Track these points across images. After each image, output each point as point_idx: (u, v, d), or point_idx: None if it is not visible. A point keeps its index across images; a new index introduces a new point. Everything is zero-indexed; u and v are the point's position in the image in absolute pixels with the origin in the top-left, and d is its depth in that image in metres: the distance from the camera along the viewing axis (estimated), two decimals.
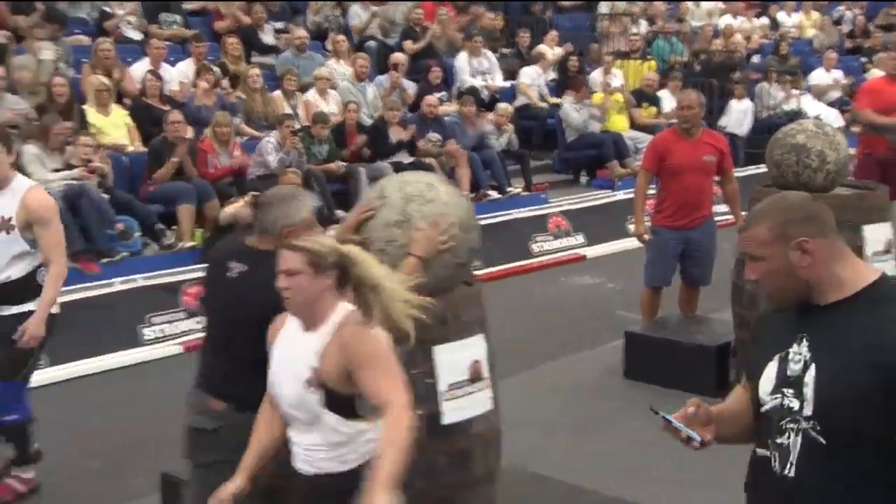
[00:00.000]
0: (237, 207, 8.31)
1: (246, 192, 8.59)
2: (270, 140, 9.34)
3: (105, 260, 7.74)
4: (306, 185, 9.11)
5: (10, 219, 4.27)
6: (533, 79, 12.86)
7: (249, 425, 2.97)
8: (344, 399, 2.70)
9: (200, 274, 3.58)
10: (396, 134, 10.32)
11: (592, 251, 10.07)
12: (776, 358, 2.25)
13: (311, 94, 10.61)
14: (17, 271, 4.36)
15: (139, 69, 9.79)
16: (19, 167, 7.80)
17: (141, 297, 7.12)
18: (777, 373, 2.24)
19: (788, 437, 2.20)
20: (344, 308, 2.76)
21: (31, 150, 7.96)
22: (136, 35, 10.84)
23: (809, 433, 2.16)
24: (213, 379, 3.32)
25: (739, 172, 8.89)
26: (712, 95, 12.89)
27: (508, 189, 10.86)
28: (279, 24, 12.30)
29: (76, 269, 7.52)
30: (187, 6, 11.84)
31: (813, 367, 2.17)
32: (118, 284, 7.14)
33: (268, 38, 11.85)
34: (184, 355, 6.91)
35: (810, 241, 2.19)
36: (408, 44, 12.51)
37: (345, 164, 9.92)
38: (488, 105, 12.01)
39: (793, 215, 2.22)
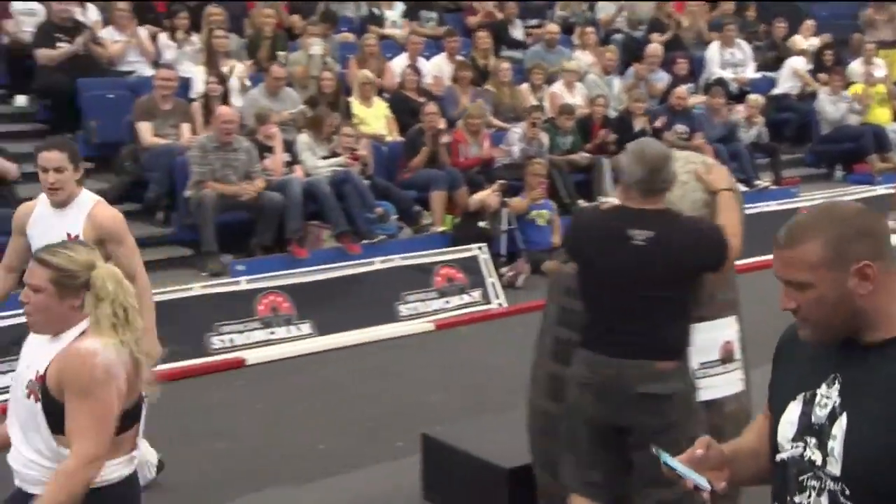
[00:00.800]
0: (486, 195, 8.81)
1: (493, 181, 9.06)
2: (516, 131, 9.66)
3: (365, 241, 8.34)
4: (549, 175, 9.35)
5: (76, 236, 4.07)
6: (801, 67, 12.43)
7: (694, 389, 3.20)
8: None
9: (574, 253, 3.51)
10: (641, 125, 10.32)
11: None
12: (800, 398, 1.89)
13: (558, 87, 10.82)
14: None
15: (398, 64, 10.39)
16: (293, 155, 8.61)
17: (397, 277, 7.61)
18: (800, 416, 1.87)
19: (810, 497, 1.84)
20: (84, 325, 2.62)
21: (303, 139, 8.71)
22: (399, 32, 11.53)
23: (838, 497, 1.80)
24: (639, 342, 3.20)
25: None
26: None
27: (756, 182, 10.57)
28: (527, 20, 12.62)
29: (340, 248, 8.19)
30: (445, 4, 12.41)
31: (844, 417, 1.80)
32: (378, 263, 7.66)
33: (517, 32, 12.20)
34: (435, 332, 7.36)
35: (873, 264, 1.80)
36: (655, 36, 12.43)
37: (588, 155, 10.06)
38: (737, 97, 11.73)
39: (848, 230, 1.82)
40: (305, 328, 7.03)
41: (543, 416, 3.73)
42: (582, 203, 9.78)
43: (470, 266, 7.99)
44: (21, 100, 9.11)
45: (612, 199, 3.69)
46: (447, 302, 7.71)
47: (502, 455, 4.07)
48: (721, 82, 11.70)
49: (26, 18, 9.05)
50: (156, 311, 6.44)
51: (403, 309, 7.48)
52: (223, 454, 5.12)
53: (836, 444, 1.80)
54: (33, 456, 2.60)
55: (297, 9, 10.99)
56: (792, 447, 1.88)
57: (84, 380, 2.50)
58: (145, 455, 2.73)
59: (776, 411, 1.93)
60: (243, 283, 7.07)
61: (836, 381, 1.84)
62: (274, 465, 4.97)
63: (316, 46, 9.79)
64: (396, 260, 7.75)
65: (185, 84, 9.02)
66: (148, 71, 9.22)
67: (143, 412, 2.81)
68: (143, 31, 9.43)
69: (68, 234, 4.03)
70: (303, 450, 5.15)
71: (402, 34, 11.37)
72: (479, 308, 7.81)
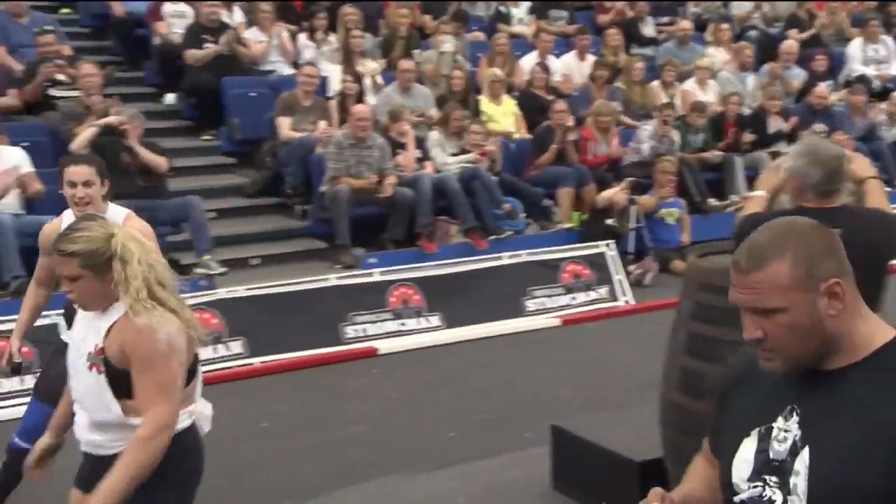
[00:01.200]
0: (614, 192, 8.80)
1: (622, 179, 9.03)
2: (647, 128, 9.59)
3: (492, 237, 8.45)
4: (679, 173, 9.25)
5: None
6: None
7: None
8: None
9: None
10: (776, 124, 10.08)
11: None
12: (754, 434, 1.73)
13: (690, 84, 10.68)
14: None
15: (527, 62, 10.47)
16: (424, 151, 8.80)
17: (524, 272, 7.69)
18: (756, 454, 1.72)
19: None
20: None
21: (434, 136, 8.90)
22: (526, 30, 11.60)
23: None
24: None
25: None
26: None
27: None
28: (658, 18, 12.48)
29: (468, 243, 8.33)
30: (575, 3, 12.42)
31: (806, 451, 1.65)
32: (505, 259, 7.76)
33: (648, 30, 12.09)
34: (561, 328, 7.41)
35: (842, 282, 1.66)
36: (792, 32, 12.09)
37: (720, 153, 9.89)
38: (880, 94, 11.29)
39: (817, 246, 1.67)
40: (435, 320, 7.20)
41: (676, 409, 3.75)
42: (713, 202, 9.64)
43: (597, 263, 8.00)
44: (170, 98, 9.61)
45: (755, 194, 3.65)
46: (573, 298, 7.75)
47: (632, 448, 4.09)
48: (863, 79, 11.30)
49: (176, 21, 9.55)
50: (292, 301, 6.83)
51: (530, 304, 7.56)
52: (358, 438, 5.31)
53: (799, 481, 1.64)
54: (100, 424, 2.74)
55: (429, 9, 11.20)
56: (749, 487, 1.72)
57: (148, 354, 2.62)
58: (203, 410, 2.92)
59: (729, 451, 1.77)
60: (376, 275, 7.29)
61: (795, 413, 1.68)
62: (406, 450, 5.13)
63: (447, 44, 9.97)
64: (523, 255, 7.83)
65: (322, 83, 9.33)
66: (287, 70, 9.58)
67: (199, 370, 2.95)
68: (285, 33, 9.79)
69: None
70: (434, 437, 5.29)
71: (530, 32, 11.43)
72: (605, 305, 7.82)
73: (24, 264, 6.46)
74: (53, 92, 8.01)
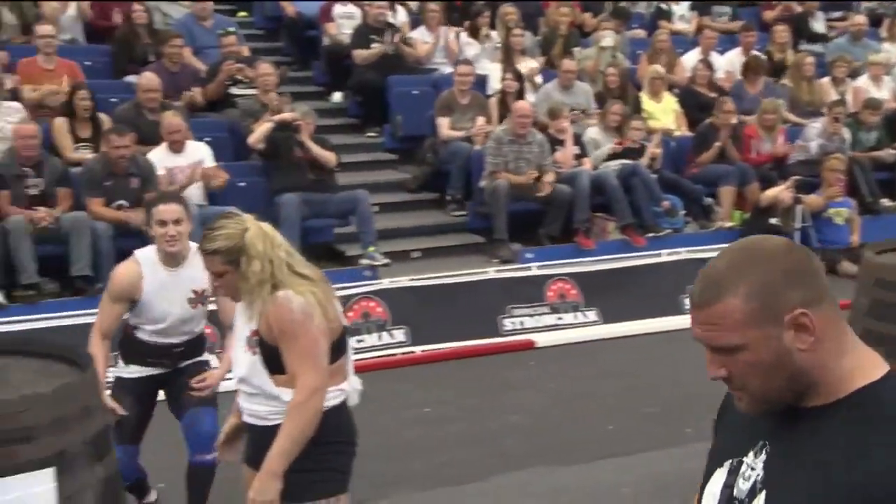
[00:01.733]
0: (778, 191, 8.56)
1: (787, 177, 8.77)
2: (815, 126, 9.28)
3: (650, 234, 8.39)
4: (850, 172, 8.91)
5: (203, 291, 4.03)
6: None
7: None
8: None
9: None
10: None
11: None
12: (726, 465, 1.58)
13: (863, 81, 10.26)
14: (200, 328, 4.24)
15: (689, 59, 10.31)
16: (582, 148, 8.82)
17: (684, 270, 7.59)
18: (723, 488, 1.57)
19: None
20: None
21: (591, 132, 8.92)
22: (687, 27, 11.42)
23: None
24: None
25: None
26: None
27: None
28: (829, 13, 12.04)
29: (625, 240, 8.31)
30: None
31: (762, 496, 1.49)
32: (664, 256, 7.70)
33: (818, 25, 11.68)
34: None
35: (810, 311, 1.45)
36: None
37: (895, 152, 9.46)
38: None
39: (774, 274, 1.46)
40: (592, 315, 7.23)
41: None
42: (885, 202, 9.24)
43: None
44: (337, 96, 10.00)
45: None
46: None
47: None
48: None
49: (345, 22, 9.93)
50: (452, 292, 7.03)
51: (688, 302, 7.45)
52: (515, 428, 5.43)
53: None
54: (259, 396, 2.95)
55: (589, 7, 11.21)
56: None
57: (288, 324, 2.82)
58: (354, 385, 3.09)
59: (705, 479, 1.64)
60: (534, 269, 7.38)
61: (764, 451, 1.53)
62: (564, 442, 5.21)
63: (607, 38, 9.95)
64: (683, 253, 7.74)
65: (482, 81, 9.50)
66: (449, 69, 9.80)
67: (349, 346, 3.09)
68: (451, 33, 9.98)
69: (194, 292, 4.01)
70: (593, 430, 5.35)
71: (692, 28, 11.26)
72: None
73: None
74: (233, 90, 8.50)
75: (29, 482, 2.65)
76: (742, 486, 1.53)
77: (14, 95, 7.65)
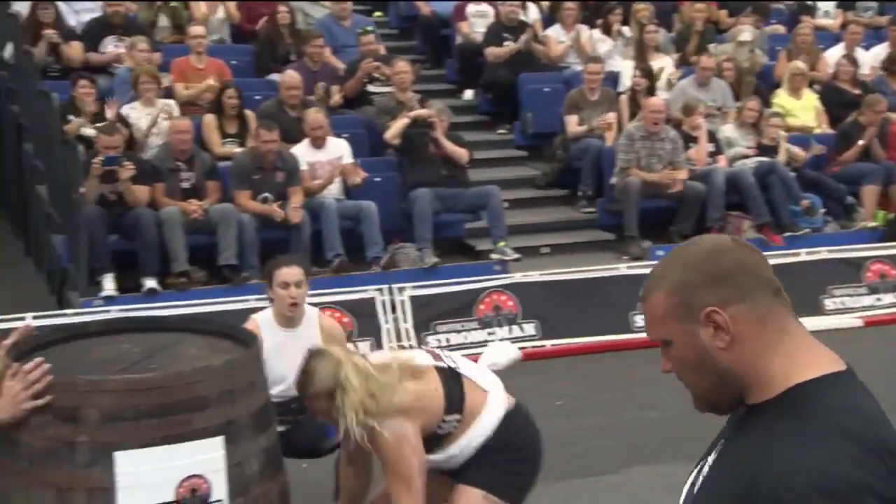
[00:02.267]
0: None
1: None
2: None
3: (787, 234, 8.19)
4: None
5: None
6: None
7: None
8: None
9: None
10: None
11: None
12: (698, 466, 1.61)
13: None
14: None
15: (832, 54, 10.00)
16: (717, 144, 8.68)
17: (824, 270, 7.40)
18: (689, 488, 1.59)
19: None
20: None
21: (727, 129, 8.77)
22: (831, 22, 11.07)
23: None
24: None
25: None
26: None
27: None
28: None
29: (761, 238, 8.13)
30: None
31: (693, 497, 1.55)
32: (803, 255, 7.51)
33: None
34: (863, 329, 7.06)
35: (723, 309, 1.47)
36: None
37: None
38: None
39: (695, 274, 1.50)
40: None
41: None
42: None
43: None
44: (468, 94, 10.14)
45: None
46: (878, 299, 7.35)
47: None
48: None
49: (478, 20, 10.06)
50: (583, 287, 7.03)
51: (829, 303, 7.27)
52: (649, 422, 5.42)
53: None
54: None
55: (725, 4, 11.00)
56: None
57: (384, 454, 3.17)
58: (497, 394, 3.54)
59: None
60: None
61: (716, 451, 1.56)
62: (701, 438, 5.13)
63: (746, 33, 9.74)
64: (823, 252, 7.54)
65: (614, 78, 9.45)
66: (580, 66, 9.79)
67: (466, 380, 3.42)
68: (585, 32, 9.96)
69: None
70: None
71: (836, 24, 10.91)
72: None
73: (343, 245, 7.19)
74: (371, 88, 8.74)
75: (201, 448, 2.85)
76: (696, 487, 1.56)
77: (167, 93, 8.08)
